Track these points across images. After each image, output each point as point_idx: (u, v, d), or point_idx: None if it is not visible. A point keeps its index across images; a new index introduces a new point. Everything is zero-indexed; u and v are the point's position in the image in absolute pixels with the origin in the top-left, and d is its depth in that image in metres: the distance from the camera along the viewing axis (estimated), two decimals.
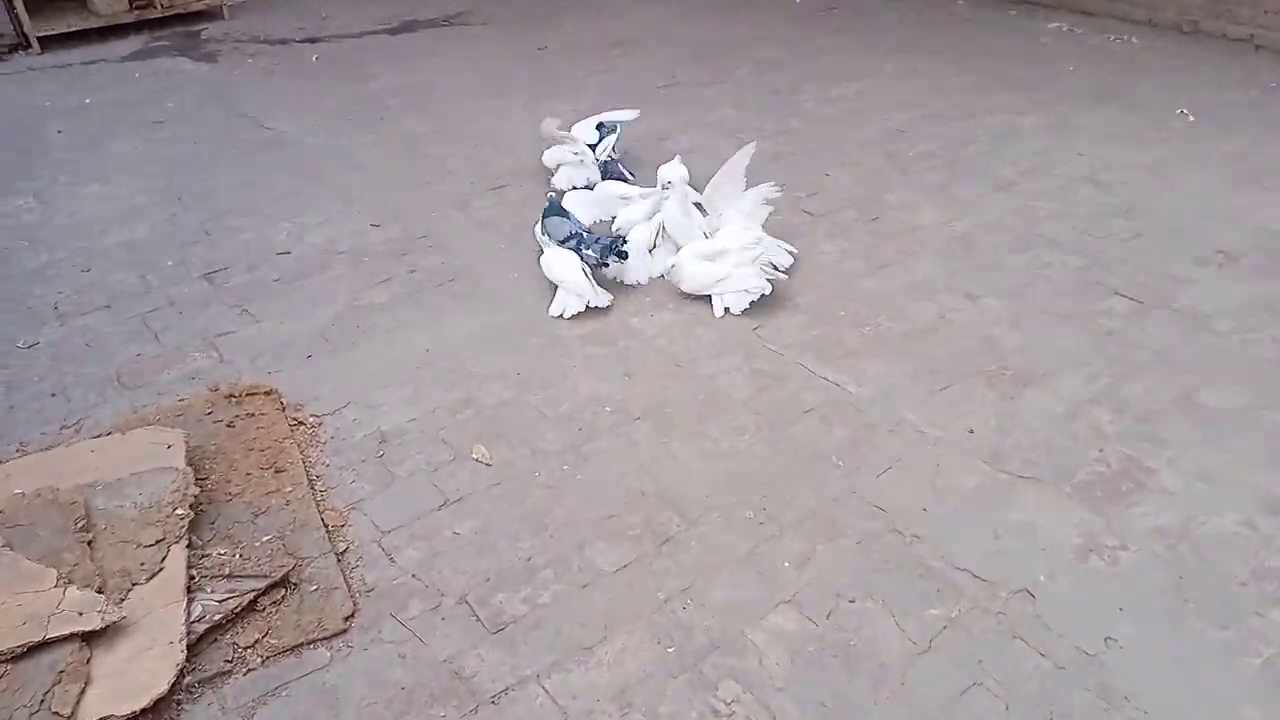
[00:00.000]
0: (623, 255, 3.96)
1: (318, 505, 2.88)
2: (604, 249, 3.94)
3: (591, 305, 3.84)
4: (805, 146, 5.33)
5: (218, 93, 6.14)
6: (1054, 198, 4.69)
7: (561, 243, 3.99)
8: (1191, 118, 5.49)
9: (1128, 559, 2.70)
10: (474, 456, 3.10)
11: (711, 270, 3.84)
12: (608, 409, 3.32)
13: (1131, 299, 3.87)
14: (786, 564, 2.70)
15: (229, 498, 2.89)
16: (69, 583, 2.40)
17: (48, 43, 6.83)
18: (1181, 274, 4.02)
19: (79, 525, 2.57)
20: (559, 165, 4.88)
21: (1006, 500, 2.91)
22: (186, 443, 2.96)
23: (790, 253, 4.17)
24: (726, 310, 3.83)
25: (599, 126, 4.96)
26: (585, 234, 4.02)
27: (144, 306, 3.91)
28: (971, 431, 3.19)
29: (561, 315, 3.82)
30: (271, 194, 4.83)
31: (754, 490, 2.96)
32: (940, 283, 4.02)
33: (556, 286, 3.88)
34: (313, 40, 7.14)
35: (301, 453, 3.09)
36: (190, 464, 2.92)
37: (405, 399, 3.37)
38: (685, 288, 3.89)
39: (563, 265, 3.86)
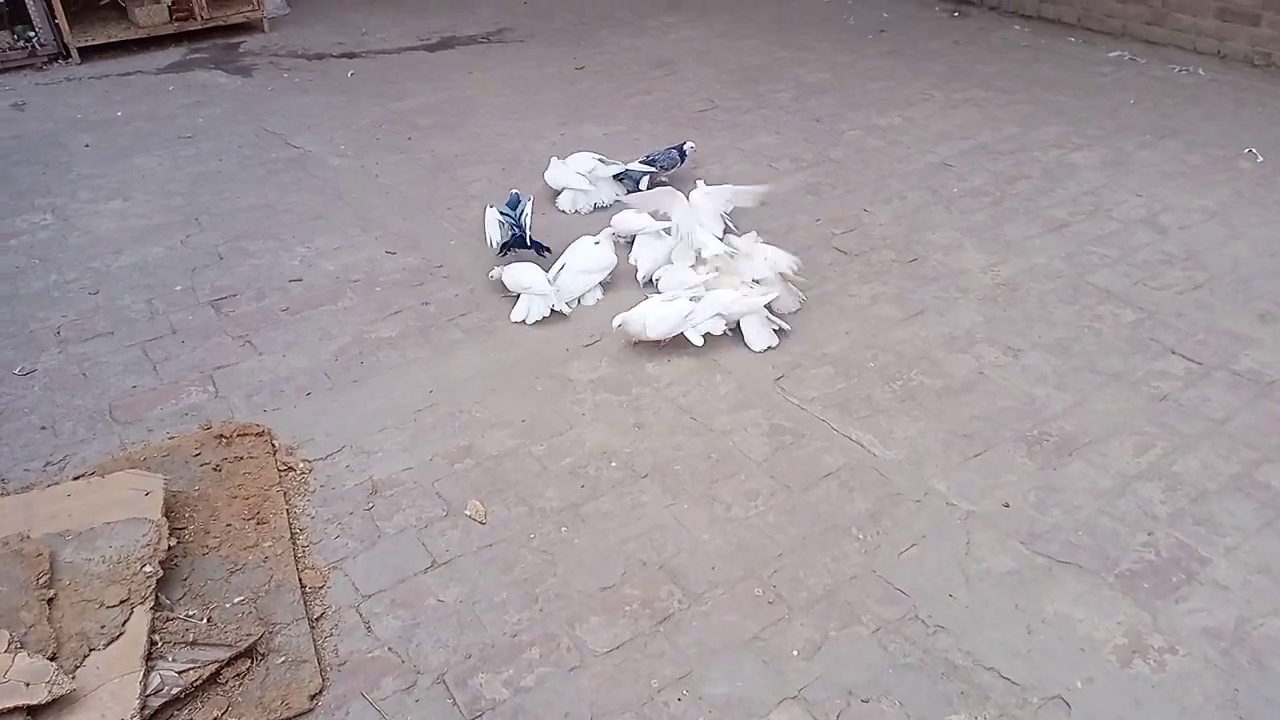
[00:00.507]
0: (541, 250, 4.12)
1: (297, 563, 2.71)
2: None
3: (556, 309, 3.88)
4: (844, 179, 5.09)
5: (249, 108, 6.07)
6: (1108, 242, 4.40)
7: (504, 247, 4.13)
8: (1260, 158, 5.14)
9: (1176, 664, 2.43)
10: (468, 513, 2.91)
11: (674, 310, 3.63)
12: (613, 464, 3.12)
13: (1188, 359, 3.57)
14: (795, 652, 2.47)
15: (205, 551, 2.74)
16: (21, 647, 2.25)
17: (88, 53, 6.84)
18: (1244, 332, 3.71)
19: (41, 581, 2.43)
20: (564, 188, 4.75)
21: (1043, 589, 2.65)
22: (166, 489, 2.82)
23: (801, 299, 3.92)
24: (707, 337, 3.66)
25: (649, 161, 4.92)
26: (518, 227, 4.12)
27: (146, 334, 3.79)
28: (1007, 506, 2.93)
29: (524, 321, 3.84)
30: (290, 216, 4.72)
31: (764, 564, 2.74)
32: (980, 334, 3.76)
33: (519, 296, 3.91)
34: (350, 55, 7.06)
35: (287, 502, 2.93)
36: (170, 511, 2.78)
37: (403, 444, 3.20)
38: (652, 335, 3.63)
39: (521, 272, 3.91)
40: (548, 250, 4.15)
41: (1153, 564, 2.72)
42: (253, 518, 2.85)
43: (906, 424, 3.28)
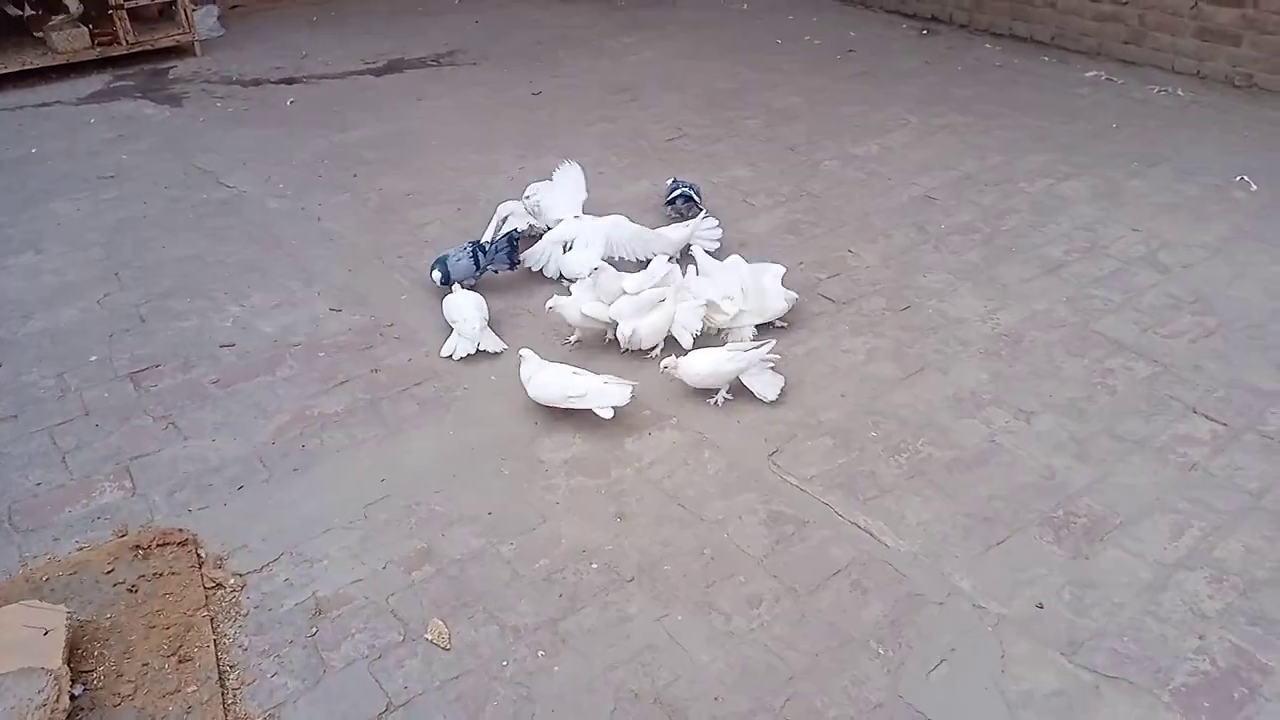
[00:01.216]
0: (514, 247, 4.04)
1: (226, 713, 2.29)
2: (508, 253, 4.01)
3: (482, 348, 3.65)
4: (825, 216, 4.77)
5: (178, 142, 5.59)
6: (1110, 284, 4.12)
7: (465, 280, 3.96)
8: (1254, 186, 4.92)
9: None
10: (428, 637, 2.52)
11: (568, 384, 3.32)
12: (594, 565, 2.74)
13: (1213, 420, 3.29)
14: None
15: (118, 700, 2.31)
16: None
17: (0, 82, 6.29)
18: (1267, 385, 3.45)
19: None
20: (508, 215, 4.41)
21: (1093, 713, 2.32)
22: (71, 622, 2.39)
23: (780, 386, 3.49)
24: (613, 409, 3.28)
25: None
26: (483, 247, 4.01)
27: (55, 417, 3.34)
28: (1040, 607, 2.60)
29: (451, 357, 3.64)
30: (222, 269, 4.27)
31: (774, 691, 2.38)
32: (987, 394, 3.45)
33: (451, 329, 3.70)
34: (289, 81, 6.60)
35: (215, 631, 2.51)
36: (76, 650, 2.35)
37: (351, 549, 2.79)
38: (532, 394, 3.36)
39: (459, 307, 3.72)
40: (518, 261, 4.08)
41: (1209, 676, 2.40)
42: (174, 654, 2.43)
43: (918, 506, 2.94)
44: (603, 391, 3.24)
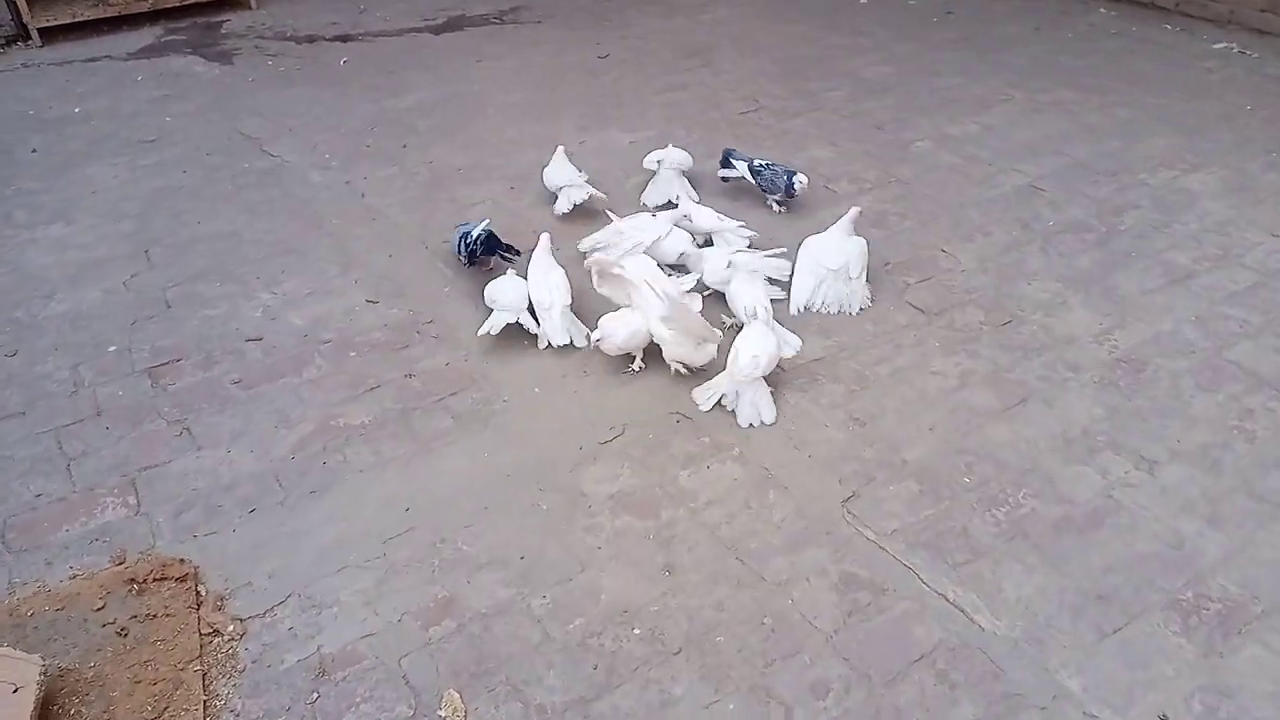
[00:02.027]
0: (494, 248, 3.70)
1: None
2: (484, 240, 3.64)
3: (524, 325, 3.37)
4: (915, 206, 4.27)
5: (224, 103, 5.30)
6: (1247, 302, 3.58)
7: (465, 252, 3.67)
8: None
9: None
10: (441, 714, 2.20)
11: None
12: (636, 631, 2.39)
13: None
14: None
15: None
16: None
17: (50, 34, 6.08)
18: None
19: None
20: (561, 188, 4.13)
21: None
22: (44, 678, 2.12)
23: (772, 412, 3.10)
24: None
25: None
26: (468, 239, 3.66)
27: (64, 416, 3.08)
28: (1164, 719, 2.17)
29: (489, 333, 3.33)
30: (258, 248, 3.98)
31: None
32: (1102, 434, 2.98)
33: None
34: (345, 38, 6.26)
35: (206, 690, 2.23)
36: (51, 704, 2.09)
37: (365, 595, 2.48)
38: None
39: (500, 290, 3.41)
40: (515, 253, 3.74)
41: None
42: (158, 718, 2.14)
43: (1020, 577, 2.52)
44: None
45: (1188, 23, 6.23)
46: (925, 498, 2.77)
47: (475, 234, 3.62)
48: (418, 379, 3.25)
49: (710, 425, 3.04)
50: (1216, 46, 5.88)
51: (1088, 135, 4.86)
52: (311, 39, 6.23)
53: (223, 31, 6.36)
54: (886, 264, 3.83)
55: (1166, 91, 5.31)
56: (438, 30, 6.43)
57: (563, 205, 4.09)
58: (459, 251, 3.68)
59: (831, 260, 3.56)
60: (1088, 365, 3.28)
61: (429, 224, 4.15)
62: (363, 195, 4.38)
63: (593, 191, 4.11)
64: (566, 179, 4.11)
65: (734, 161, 4.25)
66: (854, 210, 3.66)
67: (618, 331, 3.16)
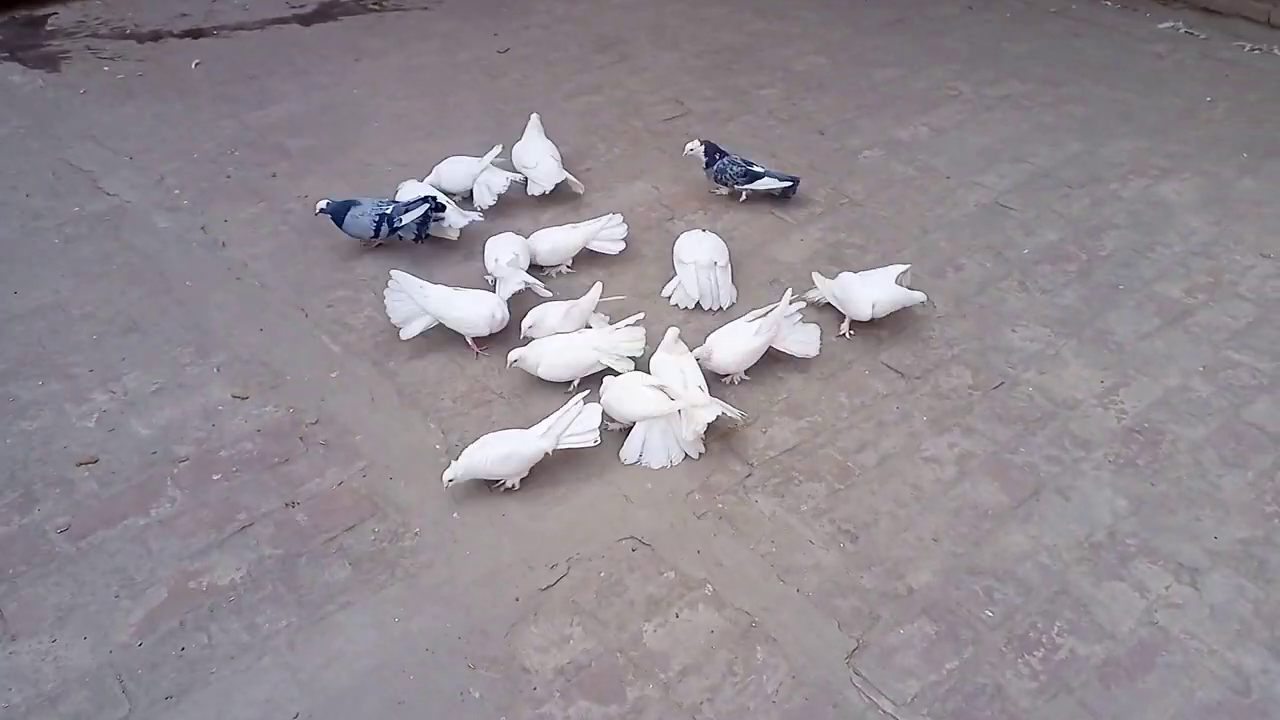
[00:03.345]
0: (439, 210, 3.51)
1: None
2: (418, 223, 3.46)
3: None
4: (874, 233, 3.76)
5: (49, 125, 4.41)
6: (1253, 344, 3.19)
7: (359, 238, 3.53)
8: None
9: None
10: None
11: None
12: None
13: None
14: None
15: None
16: None
17: None
18: None
19: None
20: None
21: None
22: None
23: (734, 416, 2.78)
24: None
25: None
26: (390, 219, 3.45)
27: None
28: None
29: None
30: (89, 328, 3.21)
31: None
32: (1130, 535, 2.54)
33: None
34: (197, 34, 5.35)
35: None
36: None
37: None
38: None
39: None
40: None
41: None
42: None
43: None
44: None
45: (1130, 1, 5.85)
46: (944, 642, 2.27)
47: (412, 212, 3.44)
48: (302, 509, 2.59)
49: (672, 552, 2.48)
50: (1162, 26, 5.52)
51: (1045, 137, 4.42)
52: (156, 36, 5.31)
53: (48, 28, 5.37)
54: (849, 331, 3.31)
55: (1120, 82, 4.91)
56: (307, 20, 5.58)
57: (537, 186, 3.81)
58: (379, 233, 3.44)
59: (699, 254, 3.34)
60: (1098, 439, 2.83)
61: (307, 282, 3.44)
62: (222, 245, 3.62)
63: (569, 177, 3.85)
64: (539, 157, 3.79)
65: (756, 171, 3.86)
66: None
67: (545, 321, 3.00)
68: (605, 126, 4.48)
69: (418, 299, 3.05)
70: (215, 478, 2.67)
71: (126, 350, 3.11)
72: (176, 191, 3.93)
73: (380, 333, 3.16)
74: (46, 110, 4.53)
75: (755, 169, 3.82)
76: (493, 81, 4.89)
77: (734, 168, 3.79)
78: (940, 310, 3.34)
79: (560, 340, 2.97)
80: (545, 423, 2.66)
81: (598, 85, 4.87)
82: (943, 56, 5.19)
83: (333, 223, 3.48)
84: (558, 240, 3.46)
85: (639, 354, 2.98)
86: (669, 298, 3.37)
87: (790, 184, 3.82)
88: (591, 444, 2.66)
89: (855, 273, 3.26)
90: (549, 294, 3.31)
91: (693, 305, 3.33)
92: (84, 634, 2.26)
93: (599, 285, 3.12)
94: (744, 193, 3.86)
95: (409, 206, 3.46)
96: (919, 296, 3.19)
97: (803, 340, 3.05)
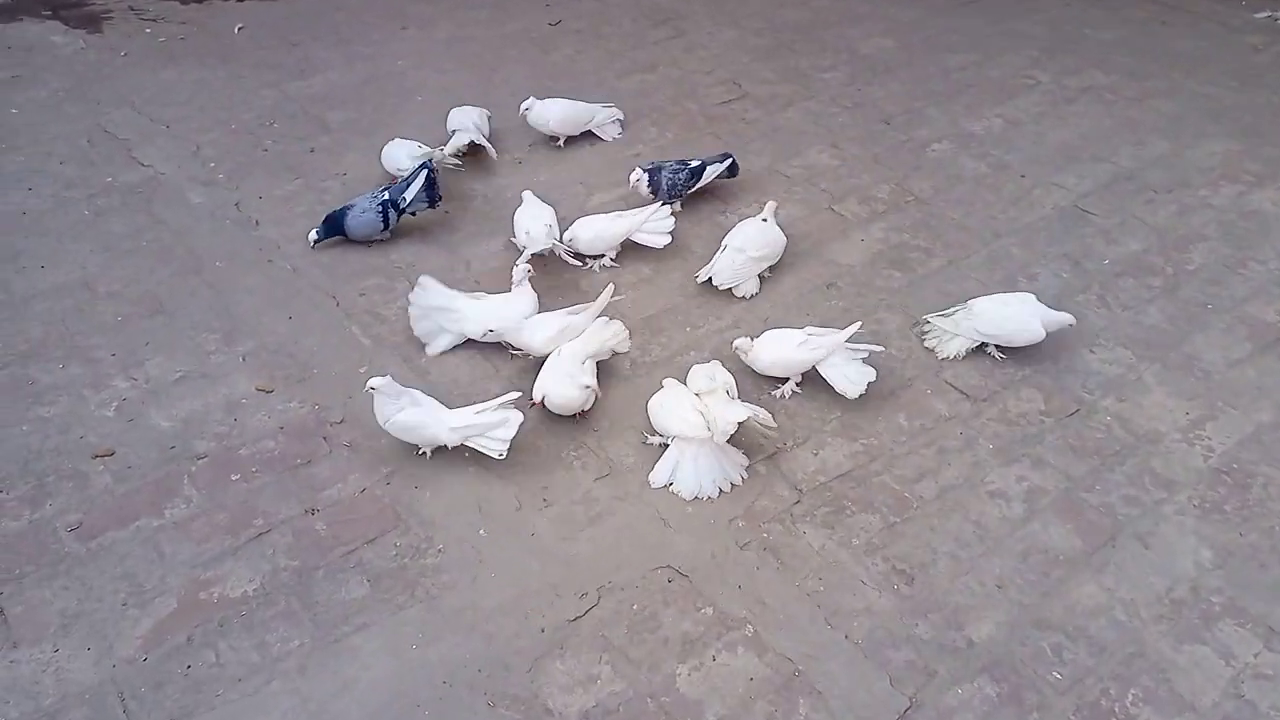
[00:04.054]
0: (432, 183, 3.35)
1: None
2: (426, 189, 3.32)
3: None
4: (941, 236, 3.51)
5: (88, 88, 4.29)
6: None
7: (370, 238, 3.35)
8: None
9: None
10: None
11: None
12: None
13: None
14: None
15: None
16: None
17: None
18: None
19: None
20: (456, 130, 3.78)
21: None
22: None
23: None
24: None
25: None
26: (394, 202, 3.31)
27: None
28: None
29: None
30: (114, 307, 3.09)
31: None
32: (1215, 592, 2.32)
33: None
34: None
35: None
36: None
37: None
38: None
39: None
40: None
41: None
42: None
43: None
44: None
45: None
46: (1006, 706, 2.08)
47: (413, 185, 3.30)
48: (322, 517, 2.45)
49: (712, 585, 2.30)
50: (1259, 16, 5.14)
51: (1129, 135, 4.11)
52: None
53: None
54: (915, 324, 3.08)
55: (1212, 77, 4.56)
56: None
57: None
58: (389, 221, 3.30)
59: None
60: (1182, 479, 2.59)
61: (340, 267, 3.29)
62: (256, 224, 3.48)
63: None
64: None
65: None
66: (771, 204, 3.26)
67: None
68: (658, 109, 4.25)
69: (449, 324, 2.89)
70: (234, 478, 2.54)
71: (151, 334, 2.99)
72: (212, 164, 3.79)
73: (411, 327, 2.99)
74: (86, 72, 4.41)
75: (693, 164, 3.49)
76: (543, 56, 4.68)
77: (679, 175, 3.44)
78: None
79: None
80: (465, 416, 2.52)
81: (652, 63, 4.63)
82: (1020, 42, 4.87)
83: (340, 237, 3.33)
84: (600, 228, 3.26)
85: (626, 349, 2.89)
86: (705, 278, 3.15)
87: (729, 160, 3.55)
88: (496, 456, 2.50)
89: (982, 298, 2.99)
90: (577, 263, 3.24)
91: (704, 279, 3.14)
92: (88, 644, 2.15)
93: (610, 289, 2.88)
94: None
95: (408, 181, 3.32)
96: (1067, 319, 2.91)
97: (851, 378, 2.73)
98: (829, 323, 3.06)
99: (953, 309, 2.96)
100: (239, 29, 4.85)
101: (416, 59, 4.64)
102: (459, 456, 2.59)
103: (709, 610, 2.25)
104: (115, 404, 2.74)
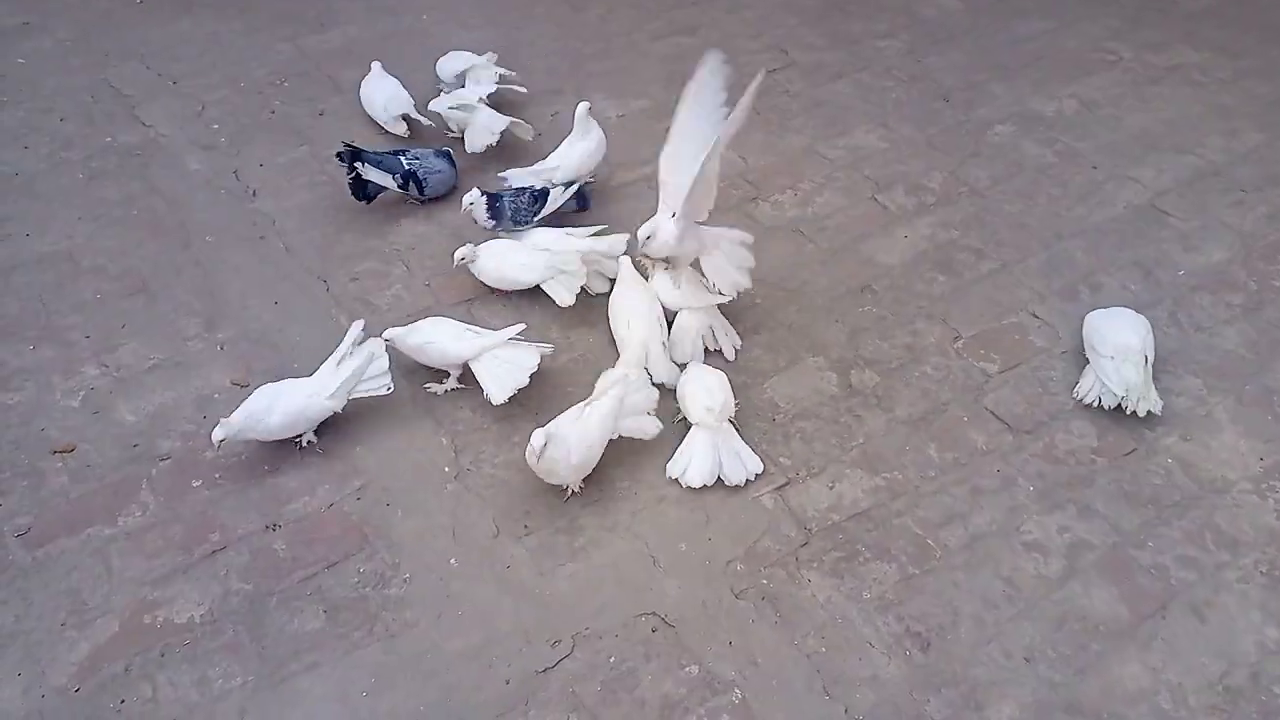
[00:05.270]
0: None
1: None
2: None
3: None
4: (994, 234, 3.16)
5: (97, 37, 4.10)
6: None
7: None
8: None
9: None
10: None
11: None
12: None
13: None
14: None
15: None
16: None
17: None
18: None
19: None
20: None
21: None
22: None
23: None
24: None
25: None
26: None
27: None
28: None
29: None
30: (94, 284, 2.92)
31: None
32: (1278, 683, 2.00)
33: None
34: None
35: None
36: None
37: None
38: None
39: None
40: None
41: None
42: None
43: None
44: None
45: None
46: None
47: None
48: (283, 534, 2.26)
49: (700, 639, 2.06)
50: None
51: (1219, 123, 3.68)
52: None
53: None
54: (956, 338, 2.77)
55: None
56: None
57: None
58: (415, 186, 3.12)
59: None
60: (1250, 539, 2.27)
61: (335, 248, 3.06)
62: (253, 194, 3.27)
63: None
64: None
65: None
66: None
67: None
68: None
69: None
70: (195, 484, 2.36)
71: (130, 315, 2.81)
72: (215, 126, 3.58)
73: (405, 317, 2.75)
74: (97, 21, 4.22)
75: (535, 188, 3.03)
76: (574, 14, 4.35)
77: (520, 199, 2.97)
78: (1065, 342, 2.77)
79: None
80: (330, 374, 2.37)
81: (690, 24, 4.28)
82: (1100, 8, 4.40)
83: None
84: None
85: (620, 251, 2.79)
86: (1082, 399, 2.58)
87: (578, 190, 3.06)
88: (385, 391, 2.39)
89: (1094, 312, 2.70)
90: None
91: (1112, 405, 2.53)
92: (19, 669, 2.00)
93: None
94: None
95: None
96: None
97: (499, 379, 2.45)
98: (860, 332, 2.77)
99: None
100: None
101: (443, 12, 4.35)
102: (436, 471, 2.37)
103: (694, 669, 2.02)
104: (82, 393, 2.57)
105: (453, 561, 2.21)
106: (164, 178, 3.33)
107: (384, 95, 3.51)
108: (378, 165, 3.08)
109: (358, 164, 3.04)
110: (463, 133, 3.37)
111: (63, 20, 4.20)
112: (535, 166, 3.14)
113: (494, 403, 2.43)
